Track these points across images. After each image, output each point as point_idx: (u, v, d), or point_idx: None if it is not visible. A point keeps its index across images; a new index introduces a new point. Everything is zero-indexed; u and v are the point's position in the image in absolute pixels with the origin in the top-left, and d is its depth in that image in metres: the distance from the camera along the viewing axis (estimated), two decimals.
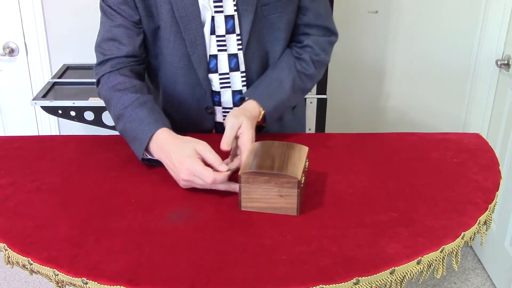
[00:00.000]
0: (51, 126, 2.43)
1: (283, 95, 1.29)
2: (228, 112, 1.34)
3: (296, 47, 1.35)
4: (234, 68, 1.29)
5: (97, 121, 1.98)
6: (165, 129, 1.14)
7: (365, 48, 2.38)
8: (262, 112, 1.24)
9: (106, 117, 1.98)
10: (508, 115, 2.14)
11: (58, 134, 2.43)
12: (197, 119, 1.35)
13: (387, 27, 2.35)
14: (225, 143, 1.10)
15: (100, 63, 1.28)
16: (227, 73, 1.30)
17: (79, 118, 1.96)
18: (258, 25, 1.27)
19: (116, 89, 1.22)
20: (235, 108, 1.20)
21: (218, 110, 1.35)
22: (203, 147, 1.07)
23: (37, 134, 2.42)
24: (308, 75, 1.34)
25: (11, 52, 2.29)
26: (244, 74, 1.30)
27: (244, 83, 1.31)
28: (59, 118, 2.30)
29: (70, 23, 2.27)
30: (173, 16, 1.23)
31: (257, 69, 1.32)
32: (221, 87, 1.31)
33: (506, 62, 2.16)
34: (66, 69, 2.27)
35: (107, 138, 1.32)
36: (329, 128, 2.35)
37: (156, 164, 1.17)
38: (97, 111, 1.96)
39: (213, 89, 1.32)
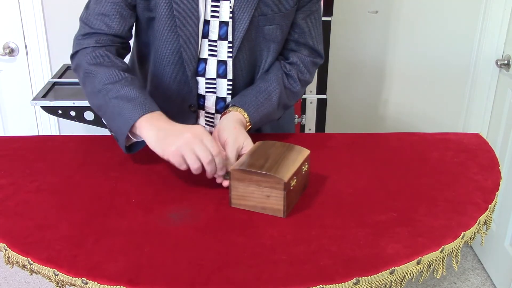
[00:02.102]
0: (51, 126, 2.43)
1: (269, 108, 1.28)
2: (210, 117, 1.34)
3: (285, 63, 1.34)
4: (222, 75, 1.28)
5: (97, 121, 1.98)
6: (160, 113, 1.11)
7: (365, 48, 2.39)
8: (248, 125, 1.23)
9: None
10: (508, 115, 2.14)
11: (58, 134, 2.43)
12: (179, 116, 1.34)
13: (387, 27, 2.35)
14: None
15: (84, 35, 1.21)
16: (214, 79, 1.29)
17: (79, 118, 1.96)
18: (253, 33, 1.26)
19: (102, 64, 1.17)
20: (230, 122, 1.17)
21: (202, 114, 1.35)
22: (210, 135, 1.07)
23: (37, 134, 2.42)
24: (293, 92, 1.33)
25: (11, 52, 2.29)
26: (231, 82, 1.29)
27: (230, 91, 1.30)
28: (59, 118, 2.30)
29: (70, 23, 2.27)
30: (170, 10, 1.21)
31: (244, 78, 1.31)
32: (206, 91, 1.31)
33: (506, 62, 2.16)
34: (66, 69, 2.27)
35: (107, 138, 1.32)
36: (329, 128, 2.35)
37: (127, 151, 1.15)
38: None
39: (199, 92, 1.31)
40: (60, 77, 2.17)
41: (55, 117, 2.33)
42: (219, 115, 1.32)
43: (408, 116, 2.51)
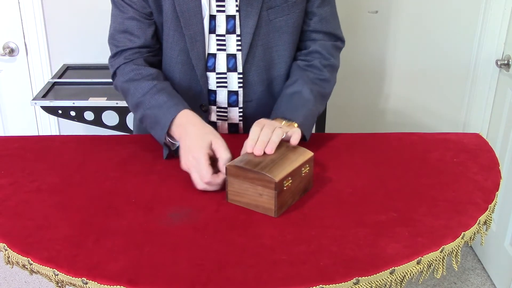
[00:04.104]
0: (51, 126, 2.43)
1: (307, 103, 1.24)
2: (223, 112, 1.35)
3: (303, 56, 1.33)
4: (232, 68, 1.29)
5: (97, 121, 1.98)
6: (186, 111, 1.16)
7: (365, 48, 2.38)
8: (295, 125, 1.17)
9: (106, 117, 1.98)
10: (508, 115, 2.14)
11: (58, 134, 2.43)
12: None
13: (387, 27, 2.35)
14: (249, 146, 1.07)
15: (114, 55, 1.29)
16: (225, 73, 1.30)
17: (79, 118, 1.96)
18: (264, 29, 1.26)
19: (133, 80, 1.24)
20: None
21: (213, 109, 1.35)
22: (220, 143, 1.08)
23: (37, 134, 2.42)
24: (322, 80, 1.30)
25: (11, 52, 2.29)
26: (241, 75, 1.30)
27: (241, 84, 1.31)
28: (59, 118, 2.30)
29: (70, 23, 2.27)
30: (174, 10, 1.23)
31: (260, 73, 1.31)
32: (217, 86, 1.31)
33: (506, 62, 2.16)
34: (66, 69, 2.27)
35: (107, 138, 1.32)
36: (329, 128, 2.35)
37: (175, 154, 1.19)
38: (97, 111, 1.96)
39: (209, 88, 1.32)
40: (60, 77, 2.18)
41: (55, 117, 2.34)
42: (232, 108, 1.33)
43: (408, 116, 2.51)
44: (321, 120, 2.19)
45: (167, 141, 1.18)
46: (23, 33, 2.27)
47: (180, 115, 1.15)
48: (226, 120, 1.36)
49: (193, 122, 1.14)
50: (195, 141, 1.09)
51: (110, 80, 2.12)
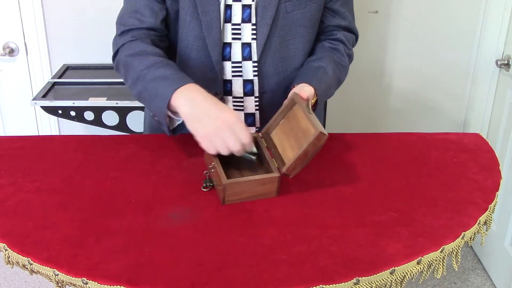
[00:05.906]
0: (51, 126, 2.43)
1: (328, 81, 1.30)
2: (239, 101, 1.35)
3: (328, 40, 1.38)
4: (247, 57, 1.30)
5: (97, 121, 1.98)
6: (196, 84, 1.12)
7: (365, 48, 2.38)
8: (315, 96, 1.24)
9: (106, 117, 1.98)
10: (508, 115, 2.14)
11: (58, 134, 2.43)
12: None
13: (387, 27, 2.35)
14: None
15: (120, 34, 1.28)
16: (240, 62, 1.31)
17: (79, 118, 1.96)
18: (282, 21, 1.28)
19: (138, 54, 1.21)
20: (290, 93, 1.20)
21: (229, 99, 1.35)
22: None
23: (37, 134, 2.42)
24: (343, 66, 1.36)
25: (11, 52, 2.29)
26: (256, 64, 1.31)
27: (256, 73, 1.31)
28: (59, 118, 2.30)
29: (70, 23, 2.27)
30: None
31: (272, 63, 1.32)
32: (233, 76, 1.32)
33: (506, 62, 2.16)
34: (66, 69, 2.27)
35: (107, 138, 1.32)
36: (329, 128, 2.35)
37: (172, 134, 1.18)
38: (97, 111, 1.96)
39: (225, 78, 1.32)
40: (60, 77, 2.17)
41: (55, 117, 2.33)
42: (248, 98, 1.34)
43: (408, 116, 2.51)
44: (321, 120, 2.19)
45: (168, 113, 1.14)
46: (23, 33, 2.27)
47: (189, 86, 1.11)
48: (242, 110, 1.36)
49: (206, 93, 1.10)
50: (223, 106, 1.07)
51: (110, 80, 2.15)
